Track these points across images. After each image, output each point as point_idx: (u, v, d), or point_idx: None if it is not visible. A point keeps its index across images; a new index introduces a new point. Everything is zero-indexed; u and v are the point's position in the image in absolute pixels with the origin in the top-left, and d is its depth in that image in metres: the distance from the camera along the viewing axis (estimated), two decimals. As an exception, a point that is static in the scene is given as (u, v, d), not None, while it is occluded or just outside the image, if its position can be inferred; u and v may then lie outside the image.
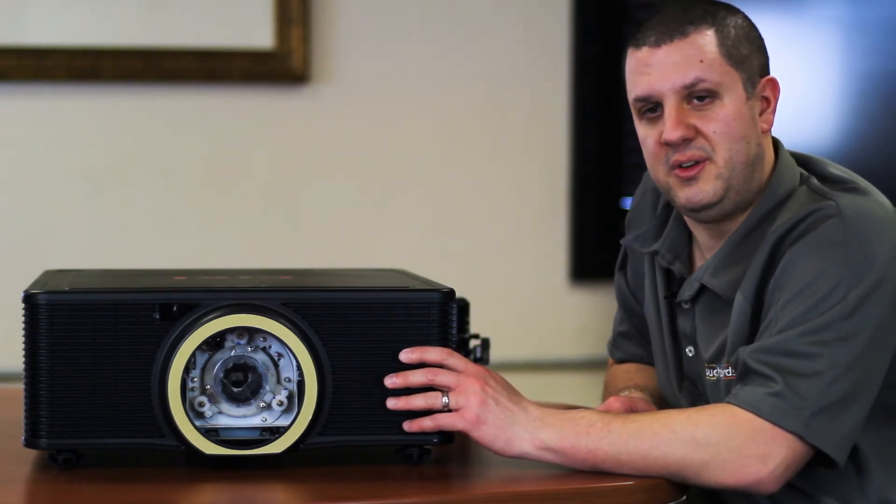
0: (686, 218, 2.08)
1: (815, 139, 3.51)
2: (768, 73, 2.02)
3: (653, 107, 1.99)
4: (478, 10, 3.64)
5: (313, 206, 3.60)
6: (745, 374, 1.91)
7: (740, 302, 1.97)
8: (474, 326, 2.28)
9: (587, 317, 3.70)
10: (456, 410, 1.89)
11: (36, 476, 1.89)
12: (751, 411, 1.86)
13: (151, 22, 3.48)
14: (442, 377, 1.90)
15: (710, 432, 1.86)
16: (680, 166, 1.98)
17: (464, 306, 2.18)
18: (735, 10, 2.00)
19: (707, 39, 1.96)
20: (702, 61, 1.96)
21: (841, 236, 1.91)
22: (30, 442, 1.89)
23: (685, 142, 1.96)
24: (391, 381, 1.91)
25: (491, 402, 1.89)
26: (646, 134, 2.01)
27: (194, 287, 1.96)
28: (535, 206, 3.69)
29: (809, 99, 3.52)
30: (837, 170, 2.03)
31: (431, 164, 3.64)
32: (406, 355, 1.91)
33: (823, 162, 2.06)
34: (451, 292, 1.95)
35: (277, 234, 3.59)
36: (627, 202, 3.71)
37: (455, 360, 1.92)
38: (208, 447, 1.88)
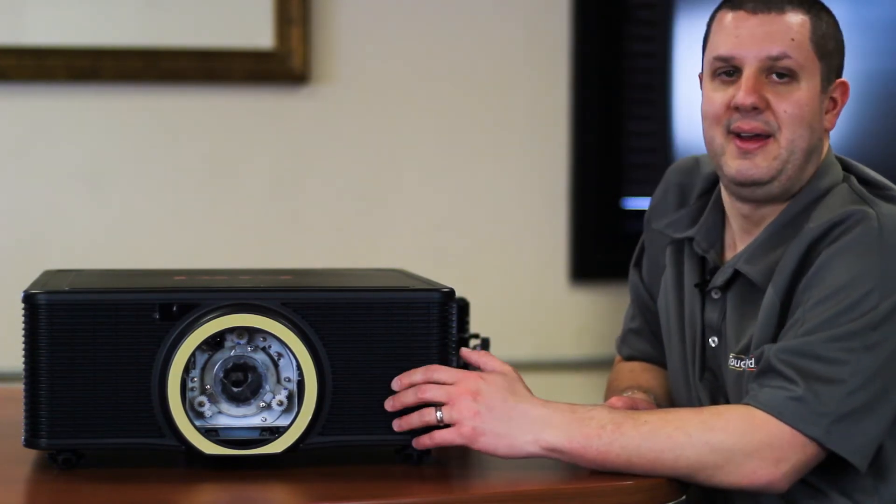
0: (725, 195, 2.08)
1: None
2: (842, 76, 2.05)
3: (730, 70, 2.01)
4: (478, 10, 3.64)
5: (313, 206, 3.60)
6: (766, 371, 1.91)
7: (770, 296, 1.97)
8: (474, 326, 2.28)
9: (587, 317, 3.70)
10: (452, 425, 1.89)
11: (36, 476, 1.89)
12: (772, 415, 1.86)
13: (151, 22, 3.48)
14: (432, 393, 1.90)
15: (725, 437, 1.86)
16: (739, 136, 1.99)
17: (464, 306, 2.18)
18: (828, 9, 2.04)
19: (801, 22, 1.99)
20: (793, 39, 1.98)
21: (877, 244, 1.92)
22: (30, 442, 1.89)
23: (754, 110, 1.98)
24: (390, 404, 1.91)
25: (485, 412, 1.88)
26: (713, 95, 2.02)
27: (194, 287, 1.96)
28: (535, 206, 3.69)
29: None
30: (875, 175, 2.06)
31: (431, 164, 3.64)
32: (396, 384, 1.91)
33: (862, 167, 2.08)
34: (451, 292, 1.95)
35: (277, 234, 3.59)
36: (627, 202, 3.72)
37: (442, 373, 1.91)
38: (208, 447, 1.88)
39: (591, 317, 3.69)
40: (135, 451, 1.92)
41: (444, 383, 1.90)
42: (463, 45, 3.64)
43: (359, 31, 3.58)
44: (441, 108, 3.64)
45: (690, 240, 2.12)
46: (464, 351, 1.96)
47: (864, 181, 2.03)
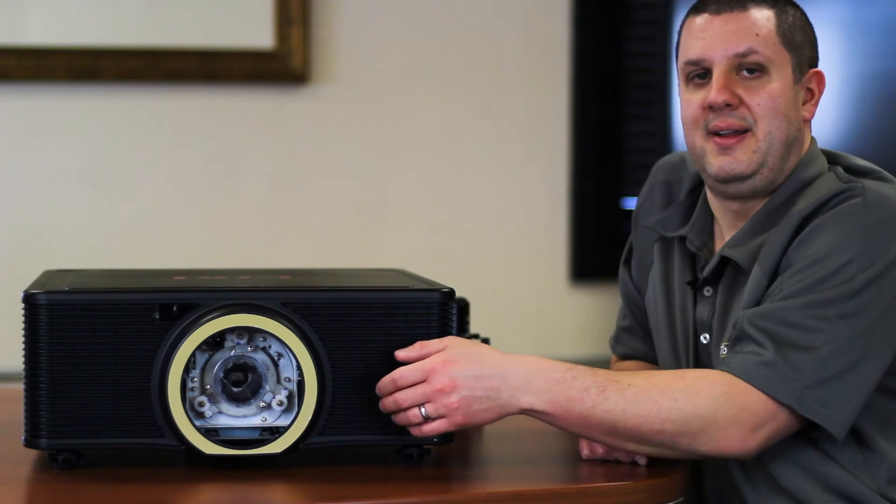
0: (711, 196, 2.09)
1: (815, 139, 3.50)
2: (816, 67, 2.06)
3: (701, 73, 2.03)
4: (478, 10, 3.64)
5: (313, 206, 3.60)
6: (739, 338, 1.92)
7: (757, 274, 1.97)
8: (474, 326, 2.28)
9: (587, 317, 3.70)
10: (441, 416, 1.88)
11: (36, 476, 1.89)
12: (744, 380, 1.87)
13: (152, 22, 3.48)
14: (410, 401, 1.87)
15: (710, 402, 1.86)
16: (717, 134, 2.00)
17: (464, 306, 2.18)
18: (794, 3, 2.05)
19: (765, 16, 2.01)
20: (757, 35, 2.00)
21: (861, 215, 1.93)
22: (30, 442, 1.89)
23: (728, 107, 1.99)
24: (382, 406, 1.90)
25: (467, 396, 1.86)
26: (689, 98, 2.04)
27: (194, 287, 1.96)
28: (536, 206, 3.69)
29: (809, 99, 3.52)
30: (863, 162, 2.06)
31: (431, 164, 3.64)
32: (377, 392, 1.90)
33: (850, 156, 2.09)
34: (451, 292, 1.95)
35: (277, 234, 3.59)
36: (628, 202, 3.72)
37: (407, 375, 1.88)
38: (208, 447, 1.88)
39: (591, 317, 3.69)
40: (135, 451, 1.92)
41: (416, 382, 1.88)
42: (463, 45, 3.64)
43: (359, 31, 3.59)
44: (441, 108, 3.64)
45: (681, 238, 2.13)
46: (398, 354, 1.90)
47: (851, 169, 2.04)
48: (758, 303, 1.96)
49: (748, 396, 1.86)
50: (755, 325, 1.90)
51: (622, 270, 2.29)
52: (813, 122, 2.08)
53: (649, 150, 3.70)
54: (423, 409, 1.87)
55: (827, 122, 3.52)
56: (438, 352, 1.89)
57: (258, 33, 3.50)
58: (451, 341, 1.90)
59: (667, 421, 1.86)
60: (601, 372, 1.89)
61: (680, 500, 1.91)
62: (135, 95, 3.50)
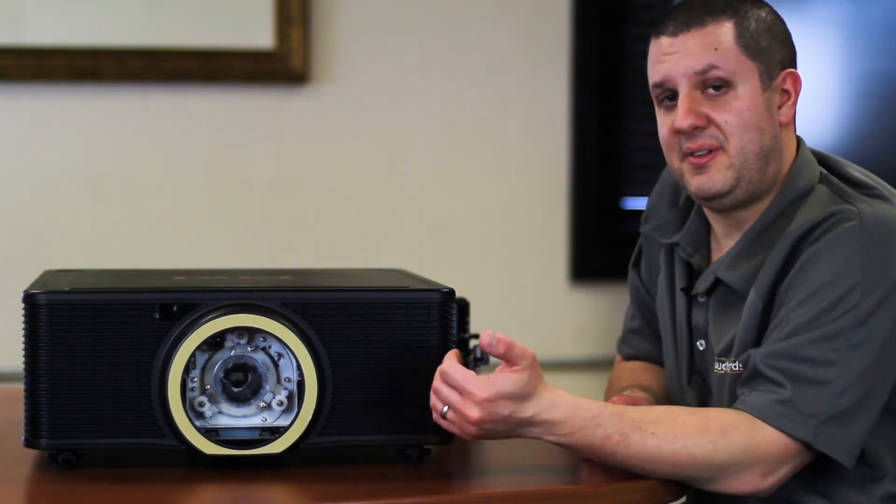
0: (703, 207, 2.09)
1: (815, 139, 3.49)
2: (791, 67, 2.02)
3: (669, 94, 2.02)
4: (478, 10, 3.64)
5: (313, 206, 3.60)
6: (753, 377, 1.91)
7: (753, 299, 1.97)
8: (474, 326, 2.28)
9: (587, 317, 3.70)
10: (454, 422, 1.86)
11: (36, 476, 1.89)
12: (763, 419, 1.87)
13: (152, 22, 3.48)
14: (443, 393, 1.85)
15: (727, 458, 1.86)
16: (692, 154, 1.99)
17: (464, 306, 2.18)
18: (761, 4, 2.02)
19: (724, 30, 1.98)
20: (716, 49, 1.97)
21: (859, 241, 1.91)
22: (30, 442, 1.89)
23: (697, 130, 1.98)
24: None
25: (490, 428, 1.83)
26: (662, 121, 2.04)
27: (194, 287, 1.96)
28: (535, 206, 3.69)
29: (809, 99, 3.52)
30: (858, 172, 2.04)
31: (431, 164, 3.64)
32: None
33: (843, 163, 2.07)
34: (451, 292, 1.95)
35: (277, 234, 3.59)
36: (628, 202, 3.73)
37: (454, 375, 1.84)
38: (208, 447, 1.88)
39: (591, 317, 3.69)
40: (135, 451, 1.92)
41: (454, 384, 1.84)
42: (463, 45, 3.64)
43: (359, 31, 3.58)
44: (441, 107, 3.64)
45: (676, 244, 2.12)
46: (483, 338, 1.83)
47: (847, 180, 2.02)
48: (757, 326, 1.96)
49: (766, 440, 1.86)
50: (769, 365, 1.89)
51: (631, 273, 2.29)
52: (813, 122, 2.07)
53: (649, 150, 3.69)
54: (445, 408, 1.85)
55: (827, 122, 3.52)
56: (515, 369, 1.83)
57: (258, 33, 3.50)
58: (529, 363, 1.83)
59: (680, 474, 1.87)
60: (628, 416, 1.87)
61: (682, 500, 1.91)
62: (135, 95, 3.50)
